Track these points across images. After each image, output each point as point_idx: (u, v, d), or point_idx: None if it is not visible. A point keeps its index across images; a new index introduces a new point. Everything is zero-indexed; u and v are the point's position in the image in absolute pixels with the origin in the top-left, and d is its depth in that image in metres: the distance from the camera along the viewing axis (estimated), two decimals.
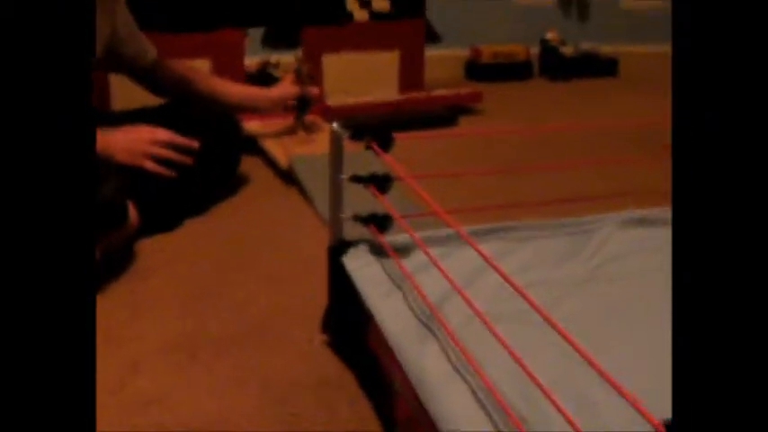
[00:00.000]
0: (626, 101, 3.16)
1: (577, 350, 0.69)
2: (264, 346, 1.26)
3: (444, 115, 2.63)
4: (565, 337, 0.71)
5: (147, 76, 1.97)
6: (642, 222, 1.32)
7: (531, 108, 3.02)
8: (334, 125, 1.12)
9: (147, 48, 1.94)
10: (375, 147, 1.10)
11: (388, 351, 0.97)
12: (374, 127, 1.66)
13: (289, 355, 1.23)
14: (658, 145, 2.16)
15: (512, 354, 0.81)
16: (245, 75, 2.57)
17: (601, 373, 0.66)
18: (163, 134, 1.66)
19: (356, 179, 1.13)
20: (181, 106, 1.92)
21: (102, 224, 1.43)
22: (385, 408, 1.06)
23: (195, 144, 1.69)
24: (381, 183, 1.12)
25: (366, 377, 1.16)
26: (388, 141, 1.11)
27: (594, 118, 2.81)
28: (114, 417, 1.08)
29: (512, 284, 0.81)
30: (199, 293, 1.41)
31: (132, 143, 1.62)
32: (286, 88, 2.15)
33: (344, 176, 1.14)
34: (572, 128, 2.49)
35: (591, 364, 0.68)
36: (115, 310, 1.34)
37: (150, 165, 1.62)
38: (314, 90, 2.19)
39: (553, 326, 0.73)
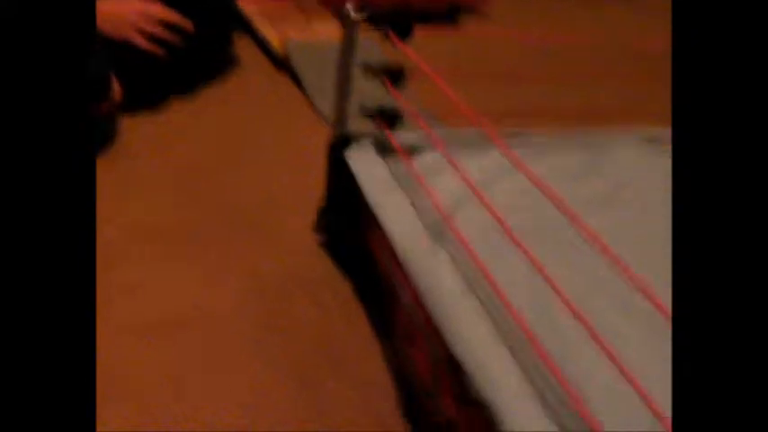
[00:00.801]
0: (639, 18, 3.04)
1: (616, 262, 0.62)
2: (253, 240, 1.19)
3: (447, 12, 2.51)
4: (603, 249, 0.64)
5: None
6: (655, 141, 1.25)
7: (544, 13, 2.89)
8: (349, 6, 1.02)
9: None
10: (393, 35, 1.01)
11: (393, 258, 0.90)
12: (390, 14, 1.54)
13: (278, 250, 1.17)
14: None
15: (543, 274, 0.74)
16: None
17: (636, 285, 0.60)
18: (155, 9, 1.53)
19: (368, 69, 1.04)
20: None
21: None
22: (382, 314, 1.01)
23: (189, 25, 1.57)
24: (395, 75, 1.03)
25: (360, 280, 1.10)
26: (407, 30, 1.01)
27: (603, 30, 2.71)
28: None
29: (545, 191, 0.75)
30: (187, 179, 1.33)
31: (122, 15, 1.49)
32: None
33: (357, 63, 1.04)
34: (579, 41, 2.39)
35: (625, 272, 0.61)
36: (98, 190, 1.26)
37: (140, 40, 1.51)
38: None
39: (587, 237, 0.66)
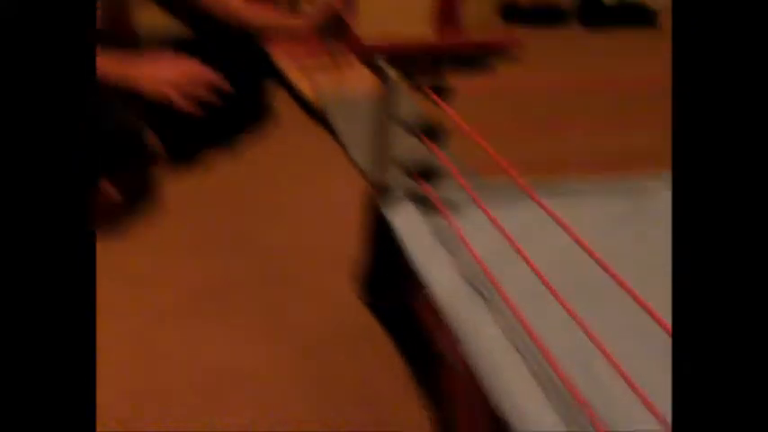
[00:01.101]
0: (665, 54, 3.03)
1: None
2: (292, 296, 1.19)
3: (479, 58, 2.53)
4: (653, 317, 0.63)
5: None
6: None
7: (568, 56, 2.90)
8: (383, 62, 1.02)
9: None
10: (434, 95, 1.01)
11: (436, 316, 0.89)
12: (424, 67, 1.56)
13: (318, 305, 1.17)
14: None
15: (585, 329, 0.73)
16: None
17: None
18: (194, 70, 1.53)
19: (407, 126, 1.04)
20: (209, 37, 1.81)
21: (118, 154, 1.35)
22: (429, 376, 1.00)
23: (226, 85, 1.57)
24: (433, 132, 1.03)
25: (401, 337, 1.09)
26: (446, 92, 1.01)
27: (633, 70, 2.70)
28: (137, 370, 1.02)
29: (587, 251, 0.74)
30: (225, 236, 1.34)
31: (163, 77, 1.49)
32: (320, 10, 2.04)
33: (393, 122, 1.05)
34: (610, 85, 2.38)
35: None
36: (139, 253, 1.28)
37: (178, 99, 1.50)
38: (349, 17, 2.07)
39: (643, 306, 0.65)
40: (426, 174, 1.06)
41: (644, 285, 0.88)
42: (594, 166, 1.31)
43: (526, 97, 2.20)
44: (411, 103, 1.11)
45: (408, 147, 1.08)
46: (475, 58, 2.53)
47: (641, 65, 2.78)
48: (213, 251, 1.29)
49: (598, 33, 3.35)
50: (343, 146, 1.73)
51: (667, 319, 0.66)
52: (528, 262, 0.84)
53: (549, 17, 3.34)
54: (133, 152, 1.40)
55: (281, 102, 2.00)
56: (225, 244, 1.31)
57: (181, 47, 1.75)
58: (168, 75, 1.49)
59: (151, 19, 1.99)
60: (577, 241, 0.75)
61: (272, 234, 1.36)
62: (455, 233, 0.99)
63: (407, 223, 1.04)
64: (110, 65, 1.43)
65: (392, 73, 1.03)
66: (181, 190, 1.49)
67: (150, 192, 1.45)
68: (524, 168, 1.19)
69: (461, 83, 2.25)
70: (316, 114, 1.91)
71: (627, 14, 3.44)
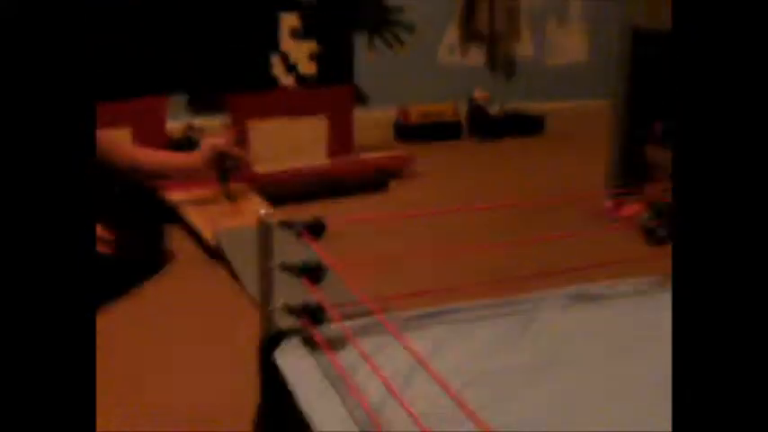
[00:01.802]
0: (553, 159, 3.16)
1: None
2: None
3: (375, 180, 2.59)
4: None
5: None
6: (582, 299, 1.28)
7: (462, 169, 2.99)
8: (262, 212, 1.05)
9: None
10: (306, 236, 1.04)
11: None
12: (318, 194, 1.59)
13: None
14: (588, 214, 2.15)
15: None
16: (169, 141, 2.49)
17: None
18: None
19: (287, 268, 1.06)
20: (99, 184, 1.82)
21: None
22: None
23: (110, 236, 1.59)
24: (314, 273, 1.05)
25: None
26: (319, 229, 1.04)
27: (525, 179, 2.80)
28: None
29: (448, 391, 0.76)
30: (120, 390, 1.31)
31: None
32: (206, 148, 2.08)
33: (274, 266, 1.07)
34: (504, 205, 2.47)
35: None
36: None
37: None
38: (238, 151, 2.11)
39: None
40: (312, 314, 1.07)
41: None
42: (487, 287, 1.34)
43: (420, 219, 2.25)
44: (293, 241, 1.12)
45: (293, 286, 1.09)
46: (371, 180, 2.59)
47: (529, 173, 2.88)
48: (107, 407, 1.27)
49: (488, 144, 3.47)
50: (240, 281, 1.74)
51: None
52: (404, 406, 0.85)
53: (440, 132, 3.46)
54: None
55: (177, 242, 2.00)
56: (119, 398, 1.29)
57: None
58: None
59: None
60: (442, 384, 0.77)
61: (170, 385, 1.33)
62: (340, 373, 0.99)
63: (294, 364, 1.04)
64: None
65: (270, 220, 1.05)
66: None
67: None
68: (425, 295, 1.23)
69: (351, 208, 2.32)
70: (213, 252, 1.92)
71: (514, 124, 3.59)
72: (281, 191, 2.37)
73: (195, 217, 2.08)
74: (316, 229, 1.05)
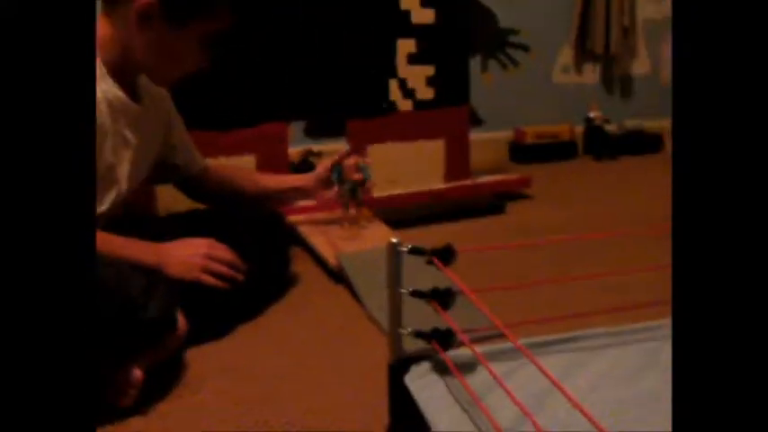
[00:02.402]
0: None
1: None
2: None
3: (492, 203, 2.59)
4: None
5: (193, 184, 1.95)
6: None
7: (579, 190, 2.96)
8: (393, 239, 1.07)
9: (196, 157, 1.93)
10: (437, 261, 1.05)
11: None
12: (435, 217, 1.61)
13: None
14: None
15: None
16: (289, 165, 2.56)
17: None
18: (218, 251, 1.63)
19: (417, 294, 1.08)
20: (226, 211, 1.90)
21: (150, 339, 1.40)
22: None
23: (244, 265, 1.66)
24: (443, 298, 1.07)
25: None
26: (449, 255, 1.06)
27: (644, 200, 2.75)
28: None
29: (584, 413, 0.76)
30: (252, 408, 1.36)
31: (189, 257, 1.58)
32: (322, 169, 2.14)
33: (404, 290, 1.09)
34: (628, 232, 2.43)
35: None
36: (169, 428, 1.30)
37: (207, 279, 1.59)
38: (357, 175, 2.15)
39: None
40: (442, 339, 1.09)
41: None
42: (614, 313, 1.32)
43: (538, 238, 2.24)
44: (421, 266, 1.14)
45: (421, 310, 1.11)
46: (488, 203, 2.60)
47: (648, 195, 2.83)
48: (240, 424, 1.31)
49: (605, 163, 3.43)
50: (363, 304, 1.77)
51: None
52: (537, 428, 0.85)
53: (556, 152, 3.44)
54: (163, 333, 1.45)
55: (303, 264, 2.06)
56: (252, 416, 1.33)
57: (198, 220, 1.83)
58: (195, 256, 1.58)
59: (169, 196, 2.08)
60: (576, 406, 0.77)
61: (300, 404, 1.37)
62: (471, 396, 1.01)
63: (425, 389, 1.06)
64: (139, 253, 1.52)
65: (399, 246, 1.07)
66: (205, 360, 1.52)
67: (176, 366, 1.49)
68: (556, 320, 1.23)
69: (469, 230, 2.33)
70: (335, 275, 1.96)
71: (632, 142, 3.53)
72: (398, 214, 2.40)
73: (317, 240, 2.13)
74: (446, 256, 1.07)
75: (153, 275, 1.45)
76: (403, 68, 2.56)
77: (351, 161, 2.14)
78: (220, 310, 1.62)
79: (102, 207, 1.58)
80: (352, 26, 2.50)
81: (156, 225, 1.83)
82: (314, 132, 3.13)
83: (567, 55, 3.63)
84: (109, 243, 1.51)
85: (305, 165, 2.76)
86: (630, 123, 3.59)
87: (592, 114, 3.54)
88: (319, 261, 2.08)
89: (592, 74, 3.71)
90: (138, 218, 1.87)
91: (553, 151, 3.43)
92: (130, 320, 1.33)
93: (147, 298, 1.35)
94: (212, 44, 1.62)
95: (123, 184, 1.62)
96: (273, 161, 2.42)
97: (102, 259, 1.23)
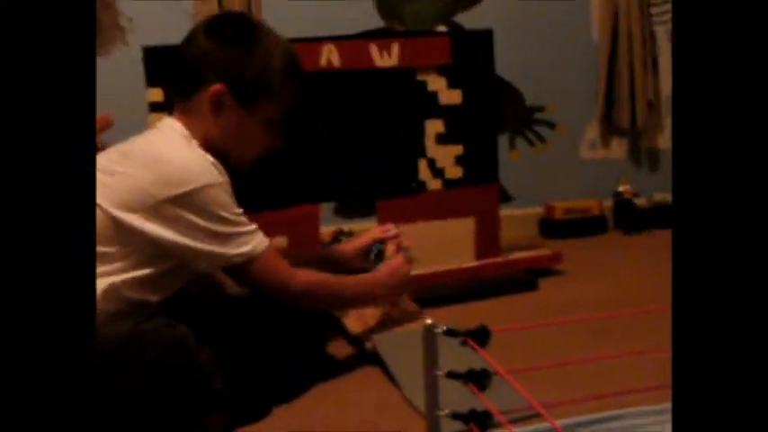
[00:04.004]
0: None
1: None
2: None
3: (524, 280, 2.59)
4: None
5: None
6: None
7: (611, 265, 2.95)
8: (428, 321, 1.08)
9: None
10: (472, 343, 1.06)
11: None
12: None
13: None
14: None
15: None
16: (321, 246, 2.58)
17: None
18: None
19: (453, 375, 1.08)
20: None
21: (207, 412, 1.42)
22: None
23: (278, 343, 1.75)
24: (480, 379, 1.07)
25: None
26: (485, 336, 1.07)
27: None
28: None
29: None
30: None
31: (398, 280, 1.92)
32: (365, 240, 2.14)
33: (440, 372, 1.09)
34: (664, 309, 2.40)
35: None
36: None
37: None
38: (398, 257, 2.12)
39: None
40: (480, 421, 1.09)
41: None
42: (653, 392, 1.31)
43: (573, 310, 2.23)
44: (455, 346, 1.15)
45: (458, 391, 1.11)
46: (520, 280, 2.60)
47: None
48: None
49: (636, 237, 3.42)
50: (399, 386, 1.76)
51: None
52: None
53: (586, 227, 3.43)
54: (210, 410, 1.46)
55: (338, 346, 2.06)
56: None
57: (235, 303, 1.85)
58: (394, 279, 1.90)
59: None
60: None
61: None
62: None
63: None
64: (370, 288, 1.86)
65: (434, 328, 1.08)
66: None
67: None
68: (579, 400, 1.22)
69: (501, 309, 2.32)
70: (369, 356, 1.96)
71: (661, 215, 3.52)
72: (429, 292, 2.40)
73: (350, 320, 2.13)
74: (481, 337, 1.07)
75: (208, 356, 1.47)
76: (432, 148, 2.60)
77: (393, 242, 2.14)
78: (257, 392, 1.63)
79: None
80: (380, 108, 2.55)
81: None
82: (344, 212, 3.16)
83: (593, 130, 3.65)
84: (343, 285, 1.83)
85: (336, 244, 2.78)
86: (659, 197, 3.59)
87: (621, 188, 3.54)
88: (353, 341, 2.08)
89: (619, 148, 3.73)
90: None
91: (583, 226, 3.43)
92: (197, 391, 1.37)
93: (214, 370, 1.39)
94: (281, 123, 1.73)
95: None
96: (305, 242, 2.44)
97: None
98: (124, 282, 1.54)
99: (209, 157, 1.64)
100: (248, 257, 1.65)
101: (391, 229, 2.18)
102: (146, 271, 1.57)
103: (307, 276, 1.77)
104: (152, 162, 1.60)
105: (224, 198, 1.63)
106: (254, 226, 1.70)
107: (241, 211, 1.68)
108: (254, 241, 1.67)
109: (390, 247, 2.12)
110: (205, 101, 1.67)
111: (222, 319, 1.69)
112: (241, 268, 1.67)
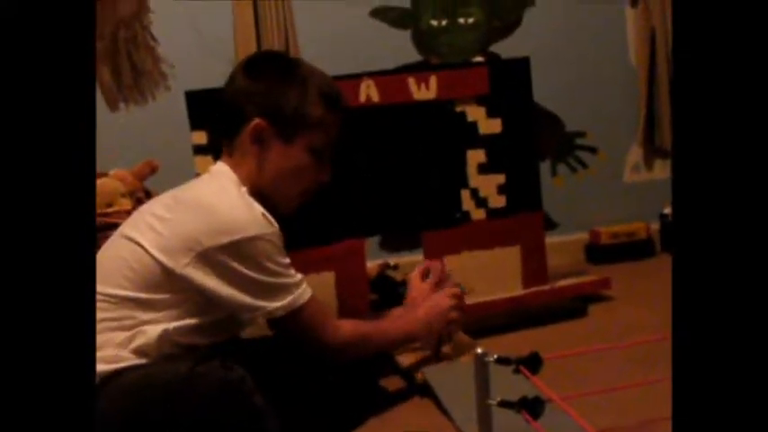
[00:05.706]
0: None
1: None
2: None
3: (572, 307, 2.57)
4: None
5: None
6: None
7: (661, 289, 2.90)
8: (479, 350, 1.09)
9: None
10: (524, 370, 1.06)
11: None
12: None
13: None
14: None
15: None
16: (368, 281, 2.59)
17: None
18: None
19: (506, 404, 1.08)
20: None
21: None
22: None
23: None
24: (533, 407, 1.07)
25: None
26: (536, 363, 1.07)
27: None
28: None
29: None
30: None
31: (438, 318, 1.91)
32: (420, 294, 2.09)
33: (493, 402, 1.09)
34: None
35: None
36: None
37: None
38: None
39: None
40: None
41: None
42: None
43: (624, 335, 2.21)
44: (507, 376, 1.15)
45: (510, 420, 1.11)
46: (569, 307, 2.58)
47: None
48: None
49: None
50: (451, 419, 1.76)
51: None
52: None
53: (633, 252, 3.40)
54: None
55: (389, 380, 2.06)
56: None
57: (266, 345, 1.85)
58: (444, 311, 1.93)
59: None
60: None
61: None
62: None
63: None
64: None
65: (486, 357, 1.08)
66: None
67: None
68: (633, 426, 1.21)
69: (552, 337, 2.30)
70: (422, 389, 1.95)
71: None
72: (477, 323, 2.40)
73: (401, 355, 2.13)
74: (533, 364, 1.07)
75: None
76: (474, 178, 2.60)
77: (450, 285, 2.11)
78: (311, 426, 1.64)
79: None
80: (421, 140, 2.56)
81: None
82: (389, 246, 3.17)
83: (636, 153, 3.63)
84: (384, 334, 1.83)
85: (383, 279, 2.79)
86: None
87: (666, 210, 3.51)
88: (403, 374, 2.08)
89: (662, 170, 3.69)
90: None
91: (630, 250, 3.40)
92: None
93: (269, 412, 1.41)
94: (329, 157, 1.72)
95: None
96: (352, 277, 2.45)
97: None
98: (176, 329, 1.55)
99: (259, 207, 1.63)
100: (289, 310, 1.63)
101: (450, 276, 2.19)
102: (197, 320, 1.58)
103: (348, 332, 1.74)
104: (202, 209, 1.60)
105: (270, 249, 1.60)
106: (299, 277, 1.67)
107: (288, 261, 1.65)
108: (295, 293, 1.64)
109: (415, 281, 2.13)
110: (247, 137, 1.68)
111: (275, 356, 1.70)
112: (281, 321, 1.65)
